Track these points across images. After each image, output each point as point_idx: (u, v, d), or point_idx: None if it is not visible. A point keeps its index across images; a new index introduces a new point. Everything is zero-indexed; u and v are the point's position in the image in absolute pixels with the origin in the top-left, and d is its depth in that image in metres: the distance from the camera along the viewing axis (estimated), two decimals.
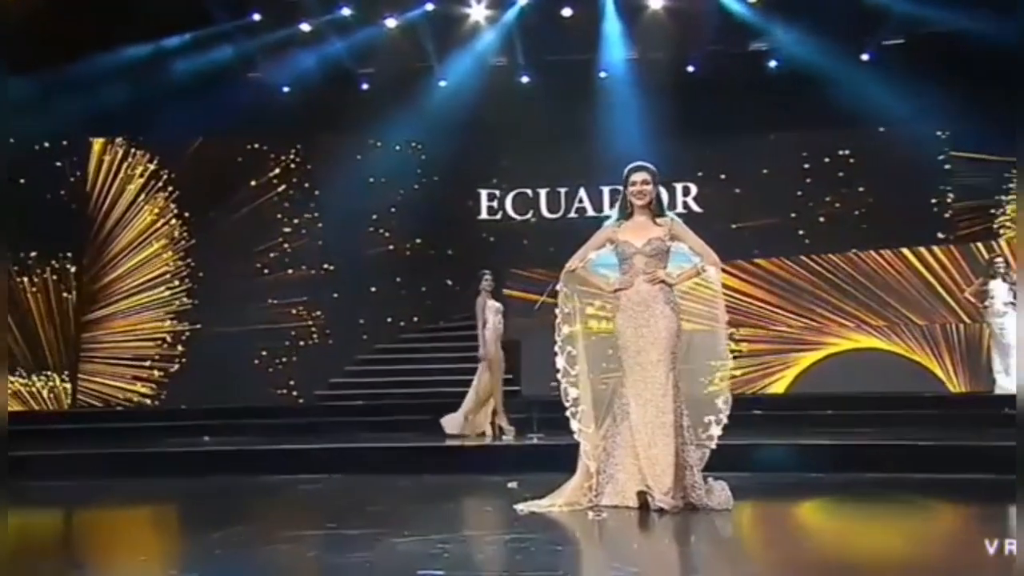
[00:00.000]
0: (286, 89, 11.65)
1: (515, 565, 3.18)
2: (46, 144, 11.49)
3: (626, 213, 4.37)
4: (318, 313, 11.80)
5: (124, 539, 4.31)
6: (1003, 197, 11.20)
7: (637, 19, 11.03)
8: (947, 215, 11.34)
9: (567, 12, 10.84)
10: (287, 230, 11.99)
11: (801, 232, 11.52)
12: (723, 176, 11.78)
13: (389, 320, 11.91)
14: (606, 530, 3.89)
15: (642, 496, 4.01)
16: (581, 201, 12.09)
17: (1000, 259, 9.17)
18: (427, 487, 5.33)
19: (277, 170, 12.08)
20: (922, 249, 10.36)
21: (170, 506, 5.25)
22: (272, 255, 11.91)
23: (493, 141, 11.75)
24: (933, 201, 11.37)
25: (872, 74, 10.81)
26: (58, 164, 11.61)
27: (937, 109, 10.59)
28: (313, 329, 11.77)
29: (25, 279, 11.30)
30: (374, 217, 12.07)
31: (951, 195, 11.38)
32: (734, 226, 11.19)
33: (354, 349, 11.66)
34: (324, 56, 11.28)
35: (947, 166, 11.42)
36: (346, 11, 10.87)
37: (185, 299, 11.75)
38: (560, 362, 4.32)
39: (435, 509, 4.41)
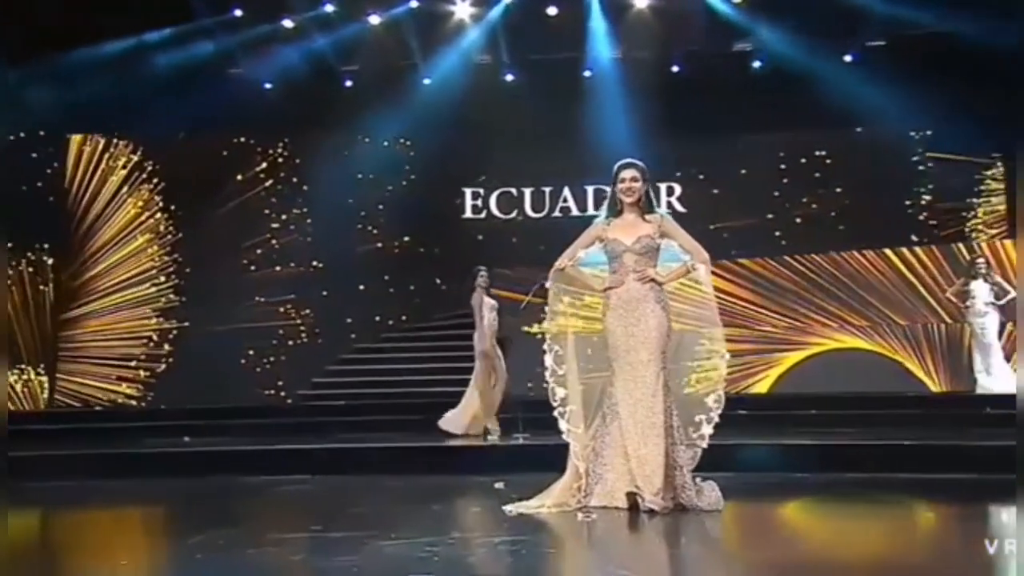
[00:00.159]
0: (268, 85, 11.55)
1: (507, 569, 3.15)
2: (22, 135, 11.27)
3: (615, 210, 4.34)
4: (307, 311, 11.71)
5: (104, 543, 4.24)
6: (975, 200, 11.34)
7: (622, 18, 11.03)
8: (921, 217, 11.45)
9: (552, 11, 10.82)
10: (275, 226, 11.86)
11: (778, 233, 11.59)
12: (702, 176, 11.82)
13: (377, 319, 11.83)
14: (597, 532, 3.86)
15: (631, 497, 3.99)
16: (566, 200, 12.07)
17: (981, 260, 9.24)
18: (412, 488, 5.28)
19: (264, 164, 11.95)
20: (904, 250, 10.44)
21: (151, 508, 5.17)
22: (259, 251, 11.77)
23: (477, 139, 11.70)
24: (908, 203, 11.48)
25: (855, 75, 10.87)
26: (34, 155, 11.41)
27: (915, 110, 10.67)
28: (302, 328, 11.67)
29: None
30: (362, 214, 11.98)
31: (926, 197, 11.49)
32: (712, 227, 11.23)
33: (342, 348, 11.58)
34: (307, 53, 11.17)
35: (921, 167, 11.53)
36: (329, 7, 10.78)
37: (172, 296, 11.58)
38: (548, 361, 4.30)
39: (422, 511, 4.36)
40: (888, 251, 10.37)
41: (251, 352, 11.41)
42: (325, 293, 11.67)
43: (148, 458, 6.63)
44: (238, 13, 10.74)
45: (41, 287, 11.27)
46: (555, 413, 4.27)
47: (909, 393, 9.59)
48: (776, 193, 11.73)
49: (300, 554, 3.50)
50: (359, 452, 6.49)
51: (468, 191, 12.24)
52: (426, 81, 11.65)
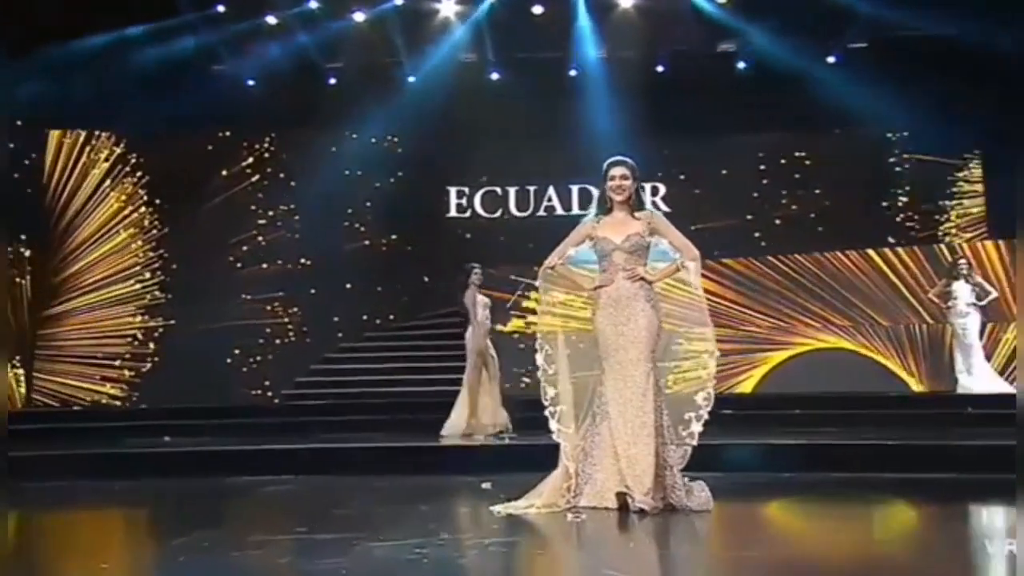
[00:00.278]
0: (251, 82, 11.44)
1: (499, 571, 3.12)
2: None
3: (605, 208, 4.32)
4: (295, 309, 11.59)
5: (85, 545, 4.16)
6: (948, 202, 11.46)
7: (607, 18, 11.04)
8: (899, 218, 11.55)
9: (538, 9, 10.80)
10: (262, 222, 11.74)
11: (758, 234, 11.63)
12: (683, 177, 11.84)
13: (365, 317, 11.75)
14: (587, 533, 3.84)
15: (621, 497, 3.96)
16: (550, 200, 12.07)
17: (963, 261, 9.32)
18: (398, 488, 5.23)
19: (250, 159, 11.82)
20: (887, 251, 10.51)
21: (133, 510, 5.09)
22: (246, 248, 11.64)
23: (462, 138, 11.68)
24: (884, 204, 11.57)
25: (837, 77, 10.94)
26: (12, 146, 11.18)
27: (894, 112, 10.78)
28: (290, 326, 11.55)
29: None
30: (349, 211, 11.91)
31: (904, 199, 11.59)
32: (693, 227, 11.23)
33: (329, 347, 11.48)
34: (290, 50, 11.09)
35: (898, 169, 11.65)
36: (313, 3, 10.70)
37: (158, 293, 11.40)
38: (539, 360, 4.27)
39: (409, 511, 4.32)
40: (871, 252, 10.43)
41: (237, 351, 11.29)
42: (313, 291, 11.56)
43: (130, 458, 6.53)
44: (221, 9, 10.65)
45: (18, 280, 11.06)
46: (546, 412, 4.24)
47: (891, 393, 9.65)
48: (756, 194, 11.79)
49: (286, 557, 3.44)
50: (344, 452, 6.43)
51: (453, 190, 12.20)
52: (411, 79, 11.60)
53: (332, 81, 11.72)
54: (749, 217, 11.78)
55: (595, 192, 4.42)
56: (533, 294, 9.14)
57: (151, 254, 11.46)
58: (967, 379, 8.91)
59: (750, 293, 10.49)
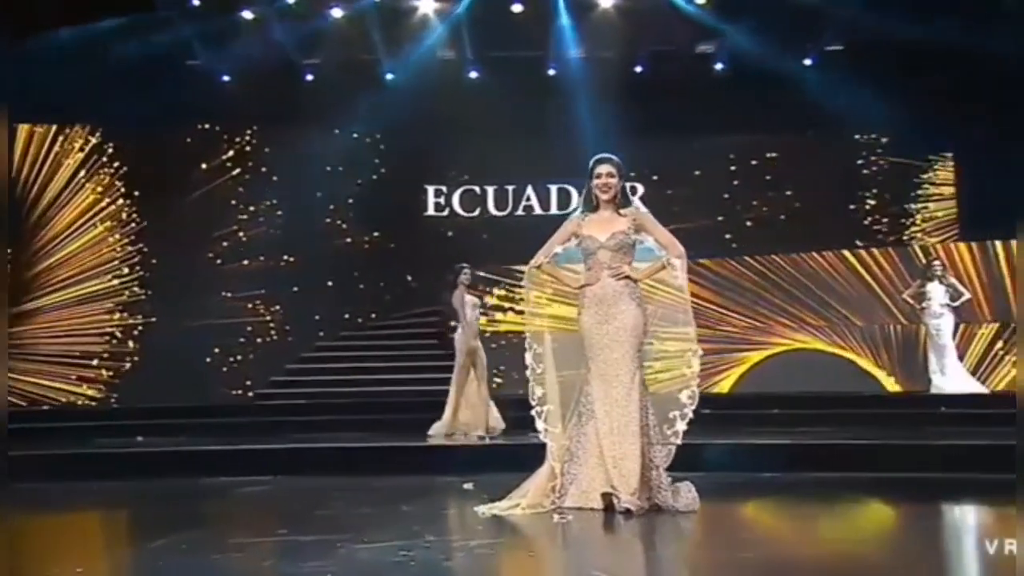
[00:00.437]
0: (227, 78, 11.31)
1: (486, 573, 3.10)
2: None
3: (591, 206, 4.31)
4: (276, 307, 11.46)
5: (60, 548, 4.08)
6: (913, 206, 11.61)
7: (587, 17, 11.05)
8: (866, 221, 11.68)
9: (517, 8, 10.78)
10: (243, 217, 11.57)
11: (728, 236, 11.71)
12: (656, 177, 11.88)
13: (347, 316, 11.66)
14: (573, 533, 3.82)
15: (607, 497, 3.94)
16: (529, 199, 12.05)
17: (937, 262, 9.43)
18: (380, 489, 5.18)
19: (231, 152, 11.64)
20: (862, 252, 10.61)
21: (110, 511, 4.99)
22: (226, 244, 11.46)
23: (440, 136, 11.63)
24: (852, 207, 11.70)
25: (813, 79, 11.04)
26: None
27: (867, 114, 10.91)
28: (271, 324, 11.40)
29: None
30: (331, 207, 11.81)
31: (871, 201, 11.72)
32: (667, 228, 11.24)
33: (309, 346, 11.39)
34: (266, 46, 10.96)
35: (866, 171, 11.78)
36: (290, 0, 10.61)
37: (137, 289, 11.15)
38: (528, 359, 4.25)
39: (391, 512, 4.28)
40: (846, 252, 10.53)
41: (217, 350, 11.14)
42: (296, 289, 11.43)
43: (107, 459, 6.42)
44: (196, 3, 10.51)
45: None
46: (533, 412, 4.21)
47: (866, 393, 9.75)
48: (727, 195, 11.89)
49: (269, 559, 3.40)
50: (323, 452, 6.38)
51: (431, 188, 12.15)
52: (389, 76, 11.54)
53: (309, 77, 11.62)
54: (720, 218, 11.86)
55: (574, 192, 4.42)
56: (496, 290, 9.28)
57: (129, 248, 11.19)
58: (940, 379, 9.02)
59: (726, 293, 10.54)
